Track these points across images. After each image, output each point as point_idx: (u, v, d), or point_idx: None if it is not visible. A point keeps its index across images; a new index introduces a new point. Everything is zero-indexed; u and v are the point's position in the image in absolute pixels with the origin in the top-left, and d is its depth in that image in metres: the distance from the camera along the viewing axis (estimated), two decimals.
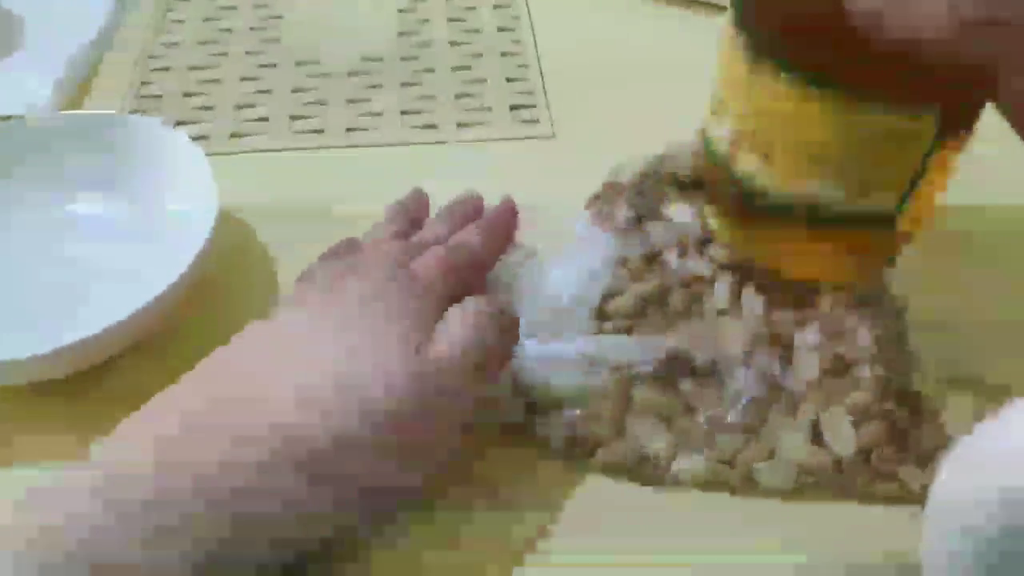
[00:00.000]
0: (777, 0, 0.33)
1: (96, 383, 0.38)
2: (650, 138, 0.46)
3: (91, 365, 0.38)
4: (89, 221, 0.45)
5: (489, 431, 0.37)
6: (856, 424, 0.35)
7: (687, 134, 0.43)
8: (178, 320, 0.40)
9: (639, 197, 0.43)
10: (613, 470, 0.35)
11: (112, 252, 0.43)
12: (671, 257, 0.41)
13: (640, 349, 0.37)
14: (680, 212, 0.42)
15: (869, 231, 0.36)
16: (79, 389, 0.38)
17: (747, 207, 0.37)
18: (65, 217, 0.45)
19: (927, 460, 0.35)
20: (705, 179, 0.41)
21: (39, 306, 0.41)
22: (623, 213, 0.42)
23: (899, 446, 0.35)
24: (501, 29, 0.58)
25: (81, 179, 0.45)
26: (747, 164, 0.36)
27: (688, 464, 0.35)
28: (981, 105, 0.34)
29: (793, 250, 0.38)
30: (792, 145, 0.34)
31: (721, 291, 0.39)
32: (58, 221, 0.44)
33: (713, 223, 0.41)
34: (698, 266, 0.40)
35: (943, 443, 0.36)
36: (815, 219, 0.36)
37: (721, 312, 0.39)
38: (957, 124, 0.34)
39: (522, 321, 0.36)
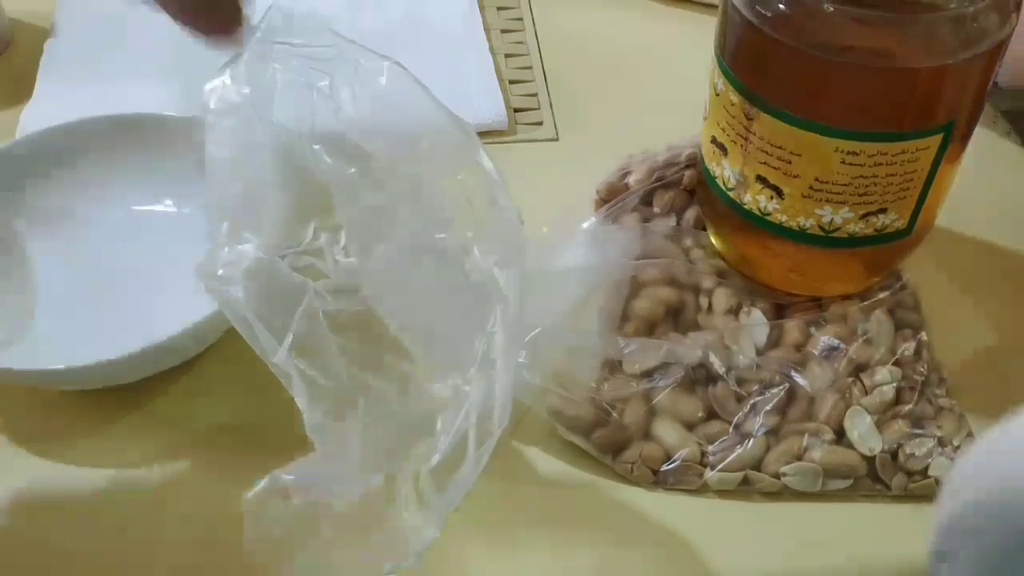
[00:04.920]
0: (767, 59, 0.33)
1: (170, 383, 0.39)
2: (654, 139, 0.46)
3: (166, 368, 0.38)
4: (161, 222, 0.45)
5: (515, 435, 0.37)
6: (879, 423, 0.35)
7: (689, 133, 0.43)
8: None
9: (645, 204, 0.43)
10: (639, 475, 0.35)
11: (185, 253, 0.43)
12: (681, 263, 0.40)
13: (662, 354, 0.37)
14: (688, 218, 0.42)
15: (880, 246, 0.36)
16: (153, 390, 0.38)
17: (752, 233, 0.37)
18: (137, 217, 0.45)
19: (953, 452, 0.35)
20: (704, 202, 0.41)
21: (113, 309, 0.41)
22: (630, 217, 0.42)
23: (924, 441, 0.35)
24: (504, 31, 0.58)
25: (151, 180, 0.45)
26: (755, 201, 0.36)
27: (718, 469, 0.35)
28: (980, 111, 0.34)
29: (800, 270, 0.38)
30: (803, 181, 0.34)
31: (730, 298, 0.39)
32: (130, 221, 0.44)
33: (714, 240, 0.41)
34: (706, 273, 0.40)
35: (966, 434, 0.36)
36: (825, 242, 0.36)
37: (733, 318, 0.39)
38: (961, 133, 0.34)
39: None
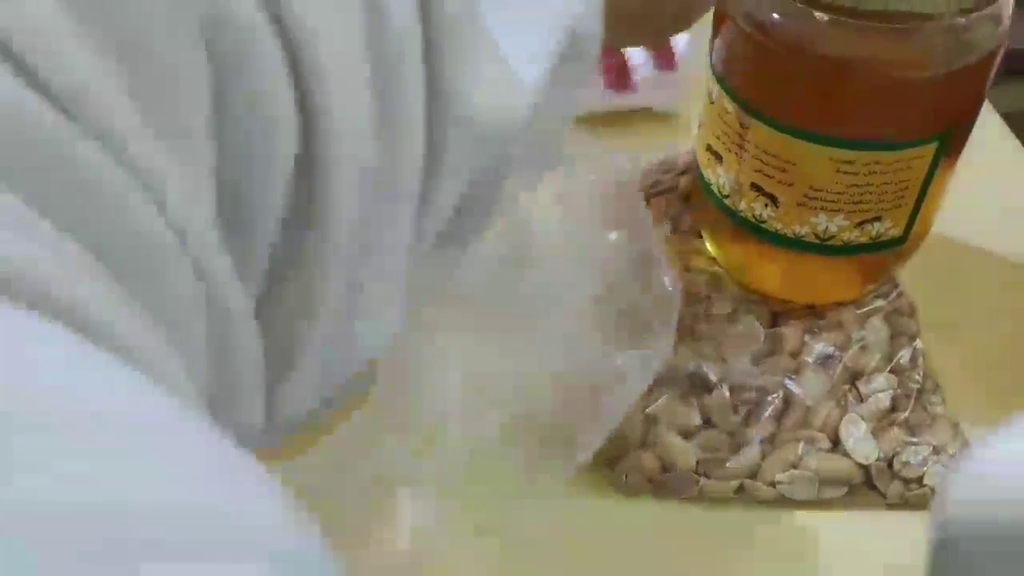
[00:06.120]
0: (761, 68, 0.33)
1: None
2: (650, 145, 0.46)
3: None
4: None
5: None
6: (874, 431, 0.36)
7: (686, 140, 0.43)
8: None
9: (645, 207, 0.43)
10: (635, 485, 0.35)
11: None
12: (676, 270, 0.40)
13: (657, 364, 0.37)
14: (683, 225, 0.42)
15: (875, 254, 0.36)
16: None
17: (747, 241, 0.37)
18: None
19: (948, 460, 0.35)
20: (699, 209, 0.41)
21: None
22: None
23: (919, 449, 0.35)
24: None
25: None
26: (750, 209, 0.36)
27: (713, 478, 0.35)
28: (975, 120, 0.34)
29: (795, 278, 0.38)
30: (797, 189, 0.34)
31: (726, 305, 0.39)
32: None
33: (710, 247, 0.41)
34: (702, 280, 0.40)
35: (961, 442, 0.36)
36: (820, 249, 0.36)
37: (730, 326, 0.38)
38: (955, 142, 0.34)
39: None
